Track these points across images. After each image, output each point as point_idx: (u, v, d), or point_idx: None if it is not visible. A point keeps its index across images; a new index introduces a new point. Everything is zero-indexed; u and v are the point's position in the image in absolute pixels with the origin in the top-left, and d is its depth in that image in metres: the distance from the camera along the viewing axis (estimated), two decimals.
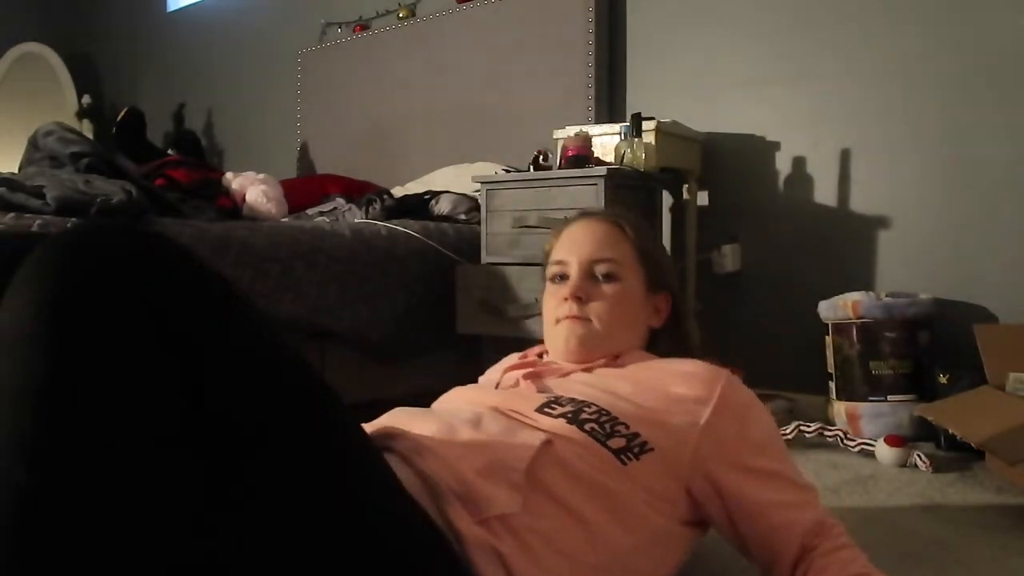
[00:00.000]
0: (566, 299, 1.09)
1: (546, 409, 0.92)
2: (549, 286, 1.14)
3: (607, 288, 1.09)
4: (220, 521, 0.61)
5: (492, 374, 1.16)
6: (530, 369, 1.08)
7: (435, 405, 1.09)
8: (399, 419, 0.93)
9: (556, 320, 1.10)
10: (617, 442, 0.88)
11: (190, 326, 0.61)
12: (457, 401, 1.06)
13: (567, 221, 1.19)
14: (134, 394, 0.57)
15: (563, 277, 1.12)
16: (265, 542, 0.62)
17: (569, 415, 0.90)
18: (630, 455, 0.88)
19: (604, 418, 0.90)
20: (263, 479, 0.62)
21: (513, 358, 1.18)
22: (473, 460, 0.79)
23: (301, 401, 0.66)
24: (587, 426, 0.88)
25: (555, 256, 1.14)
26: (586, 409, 0.91)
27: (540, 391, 1.00)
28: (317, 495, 0.63)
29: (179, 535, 0.58)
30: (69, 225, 1.64)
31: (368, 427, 0.92)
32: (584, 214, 1.20)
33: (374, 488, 0.68)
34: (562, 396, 0.95)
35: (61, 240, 0.60)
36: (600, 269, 1.09)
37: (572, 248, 1.13)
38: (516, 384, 1.06)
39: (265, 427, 0.63)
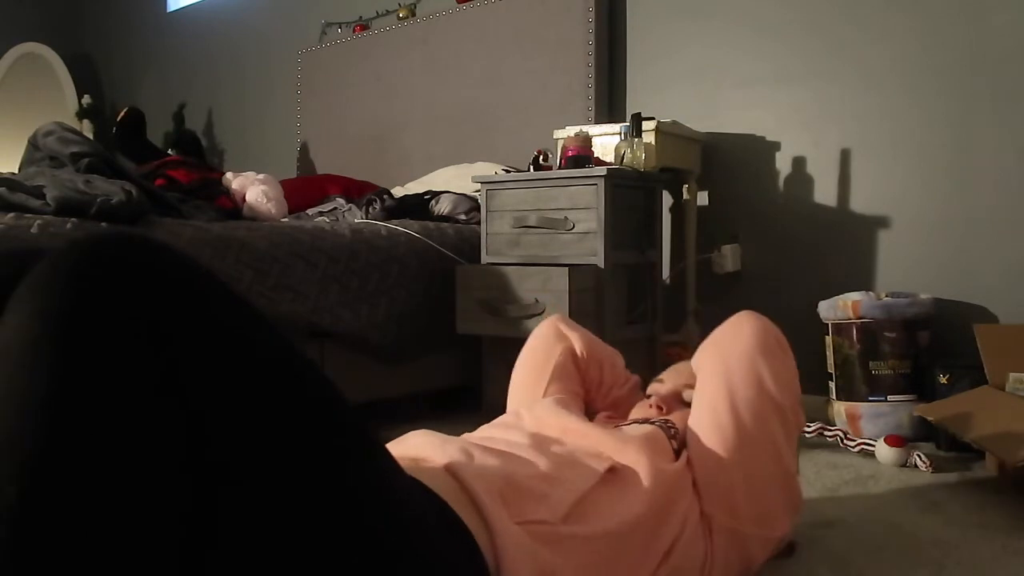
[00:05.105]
0: (650, 407, 1.20)
1: (619, 426, 1.08)
2: (644, 399, 1.26)
3: (688, 409, 1.16)
4: (217, 543, 0.60)
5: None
6: (608, 418, 1.23)
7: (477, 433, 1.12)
8: (429, 445, 0.94)
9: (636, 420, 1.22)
10: (675, 444, 1.05)
11: (194, 341, 0.60)
12: (536, 419, 1.10)
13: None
14: (133, 413, 0.56)
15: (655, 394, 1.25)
16: (261, 555, 0.61)
17: (639, 421, 1.10)
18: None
19: (670, 424, 1.09)
20: (259, 493, 0.61)
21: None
22: (530, 469, 0.88)
23: (309, 414, 0.65)
24: (656, 423, 1.08)
25: (655, 378, 1.28)
26: (652, 419, 1.12)
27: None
28: (315, 510, 0.63)
29: (171, 558, 0.57)
30: (69, 226, 1.64)
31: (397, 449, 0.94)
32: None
33: (377, 499, 0.68)
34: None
35: (65, 253, 0.59)
36: (688, 395, 1.18)
37: (672, 374, 1.27)
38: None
39: (270, 443, 0.62)
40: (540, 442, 0.97)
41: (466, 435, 1.02)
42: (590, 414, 1.30)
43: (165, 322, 0.59)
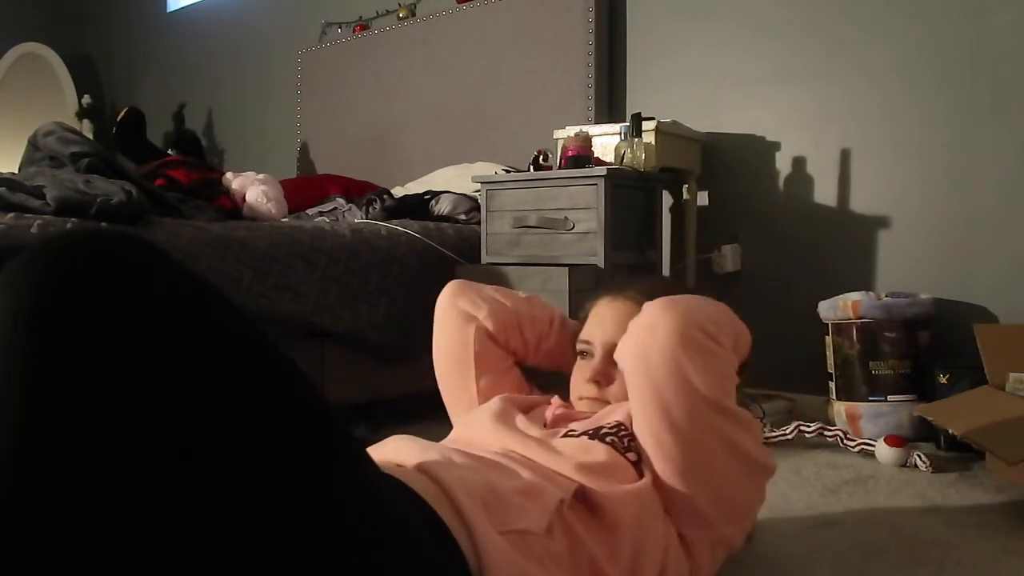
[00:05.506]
0: (588, 381, 1.13)
1: (568, 434, 1.00)
2: (578, 360, 1.19)
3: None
4: (209, 546, 0.60)
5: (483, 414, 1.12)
6: (561, 410, 1.13)
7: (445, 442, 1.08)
8: (408, 450, 0.93)
9: (579, 397, 1.16)
10: (632, 456, 0.96)
11: (171, 337, 0.60)
12: (474, 438, 1.05)
13: (596, 297, 1.22)
14: (112, 408, 0.56)
15: (588, 354, 1.16)
16: (248, 559, 0.61)
17: (590, 433, 0.98)
18: (643, 468, 0.97)
19: (623, 432, 0.98)
20: (248, 494, 0.61)
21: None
22: (509, 482, 0.86)
23: (288, 412, 0.65)
24: (608, 439, 0.97)
25: (582, 335, 1.19)
26: (605, 426, 1.00)
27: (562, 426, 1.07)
28: (303, 511, 0.63)
29: (147, 558, 0.57)
30: (69, 226, 1.64)
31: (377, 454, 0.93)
32: (611, 292, 1.20)
33: (365, 499, 0.68)
34: (579, 427, 1.03)
35: (41, 249, 0.59)
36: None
37: (596, 329, 1.16)
38: (545, 424, 1.09)
39: (250, 441, 0.62)
40: (507, 455, 0.95)
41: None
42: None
43: (142, 318, 0.59)
